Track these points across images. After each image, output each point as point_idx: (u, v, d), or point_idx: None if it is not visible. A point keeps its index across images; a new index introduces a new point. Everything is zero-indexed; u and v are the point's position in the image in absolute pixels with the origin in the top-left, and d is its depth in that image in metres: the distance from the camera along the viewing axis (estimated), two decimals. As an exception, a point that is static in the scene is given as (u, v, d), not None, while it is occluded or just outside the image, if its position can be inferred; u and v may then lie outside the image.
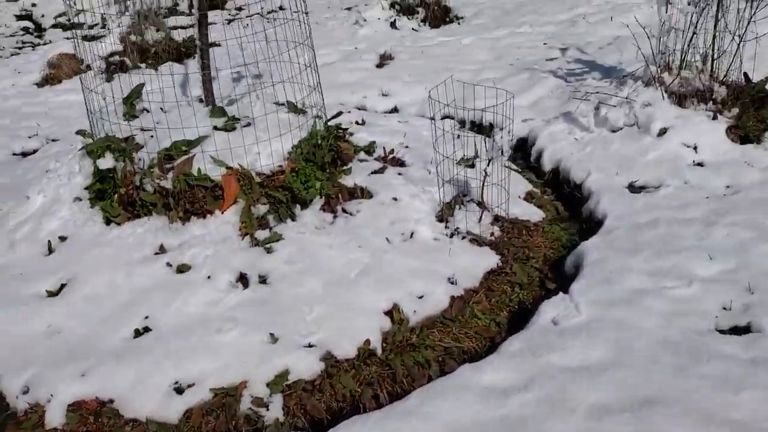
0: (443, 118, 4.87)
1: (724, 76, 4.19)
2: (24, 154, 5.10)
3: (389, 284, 2.82)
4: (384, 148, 3.80)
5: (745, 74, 4.28)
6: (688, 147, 3.80)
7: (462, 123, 4.84)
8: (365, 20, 7.49)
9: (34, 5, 11.36)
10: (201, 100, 3.79)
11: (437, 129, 3.34)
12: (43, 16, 10.82)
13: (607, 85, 4.65)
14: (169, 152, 3.35)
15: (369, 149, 3.82)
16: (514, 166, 4.11)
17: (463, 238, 3.16)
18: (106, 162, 3.30)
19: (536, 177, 4.07)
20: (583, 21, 6.77)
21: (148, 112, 3.95)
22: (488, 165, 3.19)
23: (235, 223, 3.13)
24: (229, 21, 9.41)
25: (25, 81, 6.91)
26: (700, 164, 3.71)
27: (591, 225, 3.42)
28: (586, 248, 3.07)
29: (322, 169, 3.41)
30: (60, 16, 10.57)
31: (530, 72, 5.40)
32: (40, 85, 6.80)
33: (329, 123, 3.70)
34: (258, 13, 9.97)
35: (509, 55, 6.00)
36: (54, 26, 10.35)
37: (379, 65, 6.10)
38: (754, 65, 4.18)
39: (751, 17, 3.99)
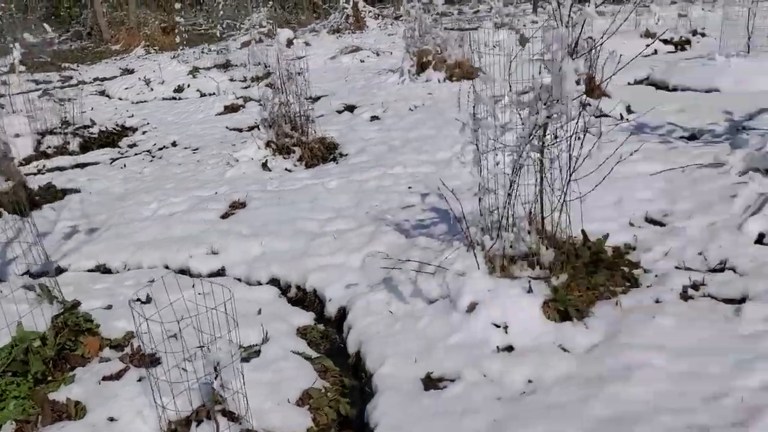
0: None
1: (553, 235, 3.74)
2: None
3: None
4: (132, 342, 3.19)
5: (583, 231, 3.85)
6: (497, 327, 3.26)
7: (285, 291, 4.31)
8: (237, 161, 7.07)
9: None
10: None
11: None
12: None
13: (438, 244, 4.18)
14: None
15: (122, 343, 3.21)
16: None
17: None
18: None
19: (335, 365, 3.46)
20: (458, 161, 6.37)
21: None
22: (216, 377, 2.60)
23: None
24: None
25: None
26: (508, 348, 3.15)
27: (362, 437, 2.82)
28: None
29: (36, 380, 2.80)
30: None
31: (376, 224, 4.92)
32: None
33: (72, 311, 3.12)
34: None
35: (370, 200, 5.50)
36: None
37: (225, 215, 5.54)
38: (582, 224, 3.77)
39: (569, 176, 3.57)
